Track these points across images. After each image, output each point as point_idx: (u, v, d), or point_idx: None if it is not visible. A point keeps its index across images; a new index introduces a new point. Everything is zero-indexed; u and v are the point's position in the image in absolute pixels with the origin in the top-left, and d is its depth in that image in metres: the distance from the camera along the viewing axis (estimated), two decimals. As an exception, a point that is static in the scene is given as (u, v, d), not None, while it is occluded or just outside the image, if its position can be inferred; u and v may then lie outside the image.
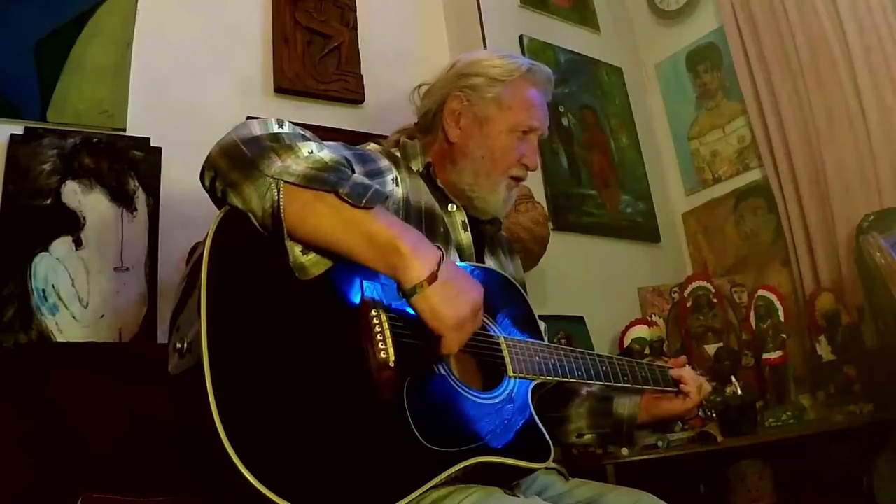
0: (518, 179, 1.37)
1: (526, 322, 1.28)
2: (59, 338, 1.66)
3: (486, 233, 1.42)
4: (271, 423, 0.88)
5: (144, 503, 1.31)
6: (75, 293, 1.71)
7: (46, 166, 1.73)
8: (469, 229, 1.34)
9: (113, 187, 1.81)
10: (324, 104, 2.24)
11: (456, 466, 0.98)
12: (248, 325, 0.94)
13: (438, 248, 1.03)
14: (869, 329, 2.20)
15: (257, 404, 0.88)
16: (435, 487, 0.96)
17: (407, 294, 0.98)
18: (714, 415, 1.47)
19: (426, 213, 1.27)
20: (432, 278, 0.98)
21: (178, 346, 0.94)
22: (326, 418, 0.92)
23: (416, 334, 1.05)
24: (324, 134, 1.14)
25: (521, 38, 2.66)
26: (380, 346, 0.98)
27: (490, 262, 1.39)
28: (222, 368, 0.87)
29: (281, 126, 1.07)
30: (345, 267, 1.02)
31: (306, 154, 1.01)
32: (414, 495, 0.93)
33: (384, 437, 0.95)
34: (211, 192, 1.04)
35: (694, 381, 1.39)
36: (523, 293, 1.34)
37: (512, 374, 1.14)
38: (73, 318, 1.69)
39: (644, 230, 2.82)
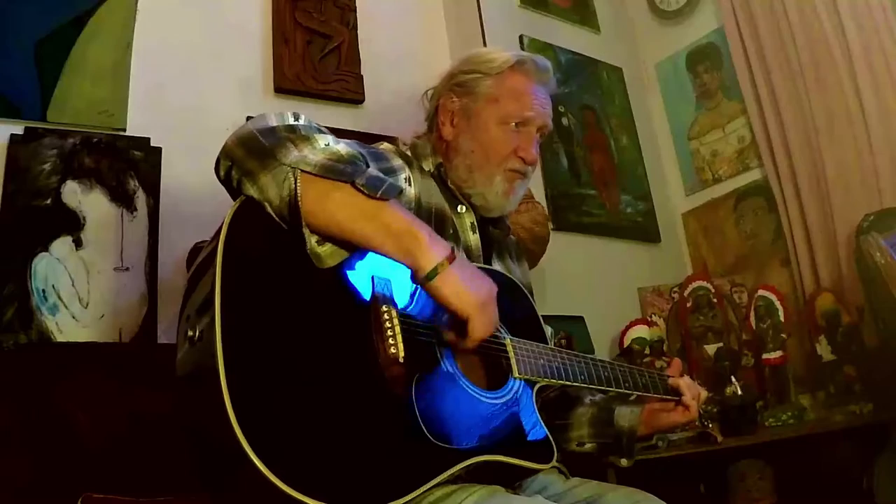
0: (518, 173, 1.34)
1: (531, 325, 1.28)
2: (59, 338, 1.66)
3: (494, 236, 1.42)
4: (281, 413, 0.89)
5: (145, 503, 1.31)
6: (75, 293, 1.71)
7: (46, 166, 1.73)
8: (478, 231, 1.33)
9: (113, 187, 1.81)
10: (324, 104, 2.24)
11: (461, 464, 0.99)
12: (261, 316, 0.94)
13: (451, 244, 1.04)
14: (869, 329, 2.20)
15: (268, 395, 0.89)
16: (438, 485, 0.96)
17: (427, 276, 0.99)
18: (710, 424, 1.45)
19: (436, 214, 1.27)
20: (452, 257, 1.00)
21: (190, 333, 0.95)
22: (335, 411, 0.93)
23: (426, 331, 1.06)
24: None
25: (521, 38, 2.66)
26: (390, 341, 0.98)
27: (497, 266, 1.38)
28: (234, 357, 0.87)
29: (297, 119, 1.08)
30: (358, 262, 1.03)
31: (323, 146, 1.03)
32: (418, 492, 0.93)
33: (391, 433, 0.96)
34: (226, 182, 1.05)
35: (691, 391, 1.37)
36: (529, 297, 1.34)
37: (517, 375, 1.14)
38: (73, 318, 1.69)
39: (644, 230, 2.82)
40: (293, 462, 0.85)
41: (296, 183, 0.98)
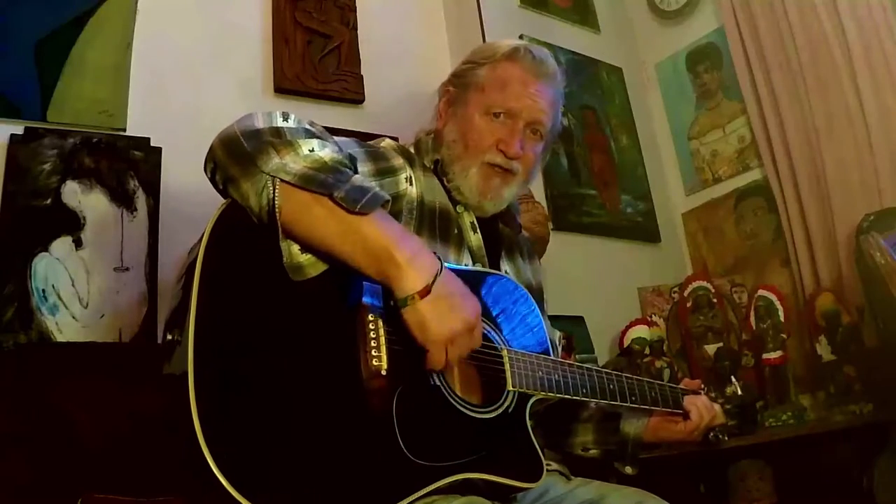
0: (498, 168, 1.26)
1: (534, 332, 1.23)
2: (59, 338, 1.66)
3: (503, 235, 1.37)
4: (253, 424, 0.86)
5: (144, 503, 1.31)
6: (75, 293, 1.71)
7: (46, 166, 1.73)
8: (479, 231, 1.28)
9: (113, 187, 1.81)
10: (324, 104, 2.24)
11: (440, 482, 0.96)
12: (240, 321, 0.92)
13: (439, 258, 1.00)
14: (869, 329, 2.20)
15: (240, 404, 0.87)
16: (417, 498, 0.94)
17: (398, 304, 0.96)
18: (727, 437, 1.42)
19: (440, 214, 1.23)
20: (425, 292, 0.95)
21: (169, 337, 0.94)
22: (312, 424, 0.90)
23: (412, 344, 1.02)
24: (328, 134, 1.13)
25: (520, 38, 2.64)
26: (373, 353, 0.95)
27: (506, 266, 1.33)
28: (206, 362, 0.85)
29: (286, 119, 1.04)
30: (346, 268, 0.99)
31: (306, 152, 0.99)
32: None
33: (369, 448, 0.93)
34: (213, 182, 1.03)
35: (707, 412, 1.32)
36: (535, 301, 1.27)
37: (511, 387, 1.11)
38: (73, 318, 1.69)
39: (644, 230, 2.82)
40: (261, 477, 0.83)
41: (274, 193, 0.95)
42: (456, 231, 1.24)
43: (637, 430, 1.32)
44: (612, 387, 1.23)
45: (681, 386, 1.37)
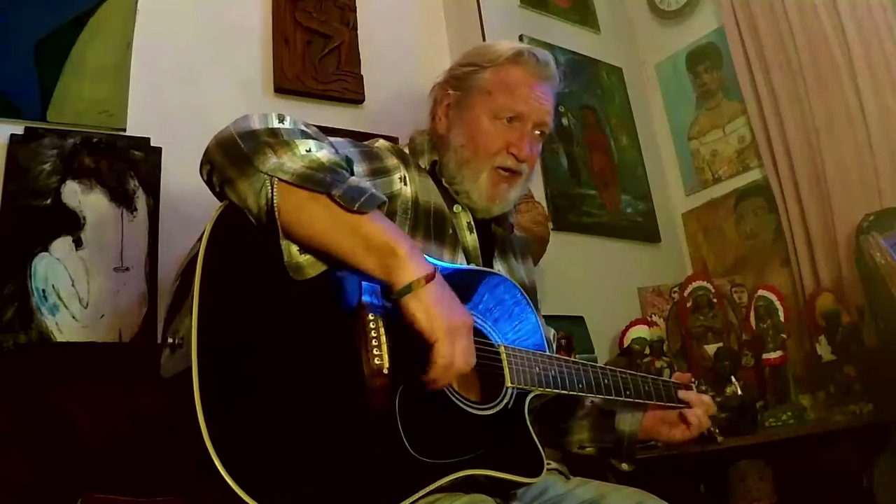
0: (508, 172, 1.28)
1: (530, 330, 1.24)
2: (59, 338, 1.66)
3: (496, 234, 1.37)
4: (257, 424, 0.87)
5: (145, 503, 1.31)
6: (75, 293, 1.71)
7: (46, 166, 1.73)
8: (475, 231, 1.29)
9: (113, 187, 1.81)
10: (324, 104, 2.24)
11: (444, 479, 0.96)
12: (242, 322, 0.92)
13: (434, 267, 1.00)
14: (869, 329, 2.20)
15: (244, 404, 0.87)
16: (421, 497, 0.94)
17: (400, 293, 0.95)
18: (718, 430, 1.42)
19: (435, 214, 1.23)
20: (430, 277, 0.96)
21: (171, 340, 0.93)
22: (315, 423, 0.90)
23: (413, 342, 1.02)
24: (325, 133, 1.13)
25: (521, 38, 2.65)
26: (374, 352, 0.96)
27: (499, 266, 1.34)
28: (210, 364, 0.86)
29: (282, 121, 1.05)
30: (345, 268, 1.00)
31: (303, 152, 0.99)
32: None
33: (373, 446, 0.93)
34: (209, 185, 1.03)
35: (701, 407, 1.33)
36: (529, 299, 1.28)
37: (510, 384, 1.11)
38: (73, 318, 1.69)
39: (644, 230, 2.82)
40: (266, 476, 0.83)
41: (272, 192, 0.95)
42: (451, 231, 1.25)
43: (632, 428, 1.33)
44: (606, 381, 1.24)
45: (672, 379, 1.38)
